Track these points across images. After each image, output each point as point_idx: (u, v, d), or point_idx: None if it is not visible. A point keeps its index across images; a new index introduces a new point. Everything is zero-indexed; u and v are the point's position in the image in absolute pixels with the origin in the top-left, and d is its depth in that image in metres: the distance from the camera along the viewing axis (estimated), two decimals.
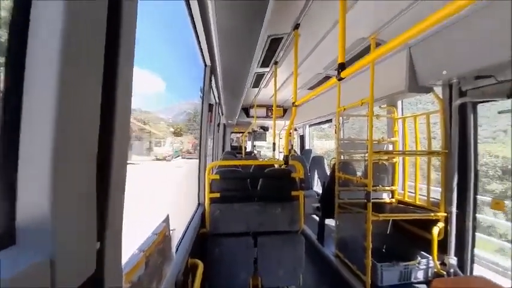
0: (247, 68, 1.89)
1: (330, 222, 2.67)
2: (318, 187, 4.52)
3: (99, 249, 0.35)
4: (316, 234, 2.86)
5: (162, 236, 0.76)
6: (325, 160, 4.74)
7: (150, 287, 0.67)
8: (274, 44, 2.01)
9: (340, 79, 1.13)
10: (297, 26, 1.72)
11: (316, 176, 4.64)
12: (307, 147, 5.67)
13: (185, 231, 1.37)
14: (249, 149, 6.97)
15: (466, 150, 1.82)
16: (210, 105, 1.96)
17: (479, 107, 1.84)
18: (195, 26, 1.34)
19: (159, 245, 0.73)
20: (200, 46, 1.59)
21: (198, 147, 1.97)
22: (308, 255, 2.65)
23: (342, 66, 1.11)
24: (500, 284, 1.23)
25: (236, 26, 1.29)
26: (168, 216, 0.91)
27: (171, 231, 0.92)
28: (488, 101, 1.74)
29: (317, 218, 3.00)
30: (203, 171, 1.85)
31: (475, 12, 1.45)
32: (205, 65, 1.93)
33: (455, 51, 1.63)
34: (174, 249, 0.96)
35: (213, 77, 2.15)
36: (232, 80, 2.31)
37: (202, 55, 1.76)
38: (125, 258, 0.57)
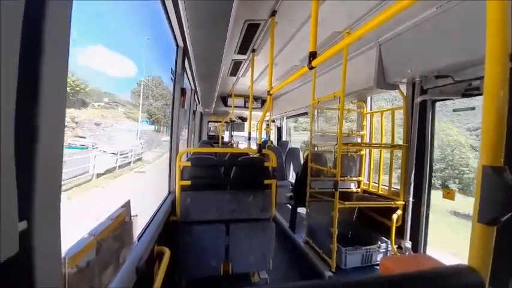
0: (220, 51, 1.83)
1: (302, 210, 2.78)
2: (293, 178, 4.66)
3: (25, 229, 0.32)
4: (288, 222, 2.96)
5: (120, 221, 0.72)
6: (300, 152, 4.87)
7: (105, 273, 0.63)
8: (252, 30, 1.97)
9: (311, 68, 1.14)
10: (273, 13, 1.69)
11: (291, 167, 4.77)
12: (284, 139, 5.77)
13: (152, 219, 1.33)
14: (226, 139, 6.90)
15: (424, 144, 1.98)
16: (183, 89, 1.88)
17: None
18: (164, 1, 1.25)
19: (115, 230, 0.69)
20: (171, 25, 1.50)
21: (170, 133, 1.89)
22: (280, 242, 2.75)
23: (313, 55, 1.12)
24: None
25: (206, 6, 1.23)
26: (128, 201, 0.86)
27: (132, 217, 0.88)
28: (445, 99, 1.90)
29: (290, 207, 3.10)
30: (174, 158, 1.79)
31: (437, 14, 1.55)
32: (177, 46, 1.84)
33: (419, 51, 1.74)
34: (135, 236, 0.92)
35: (186, 61, 2.06)
36: (206, 65, 2.23)
37: (174, 35, 1.67)
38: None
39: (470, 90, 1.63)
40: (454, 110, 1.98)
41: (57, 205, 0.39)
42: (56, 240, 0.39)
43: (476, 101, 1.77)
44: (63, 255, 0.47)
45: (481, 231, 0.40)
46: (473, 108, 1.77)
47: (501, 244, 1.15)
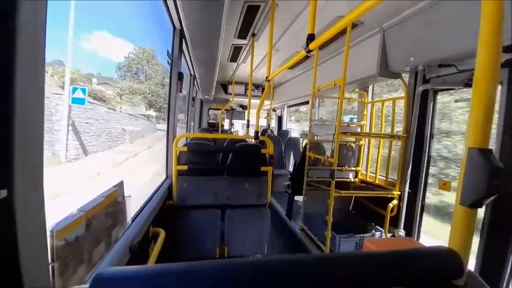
0: (218, 34, 1.79)
1: (300, 198, 2.81)
2: (292, 167, 4.68)
3: (4, 197, 0.32)
4: (285, 210, 3.01)
5: (112, 200, 0.73)
6: (300, 141, 4.86)
7: (96, 249, 0.65)
8: (252, 12, 1.91)
9: (308, 51, 1.11)
10: None
11: (291, 156, 4.78)
12: (284, 128, 5.74)
13: (147, 201, 1.35)
14: (227, 127, 6.88)
15: (423, 135, 1.96)
16: (180, 74, 1.85)
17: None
18: None
19: (107, 208, 0.70)
20: (167, 4, 1.46)
21: (167, 118, 1.89)
22: (276, 229, 2.80)
23: (311, 38, 1.08)
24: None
25: None
26: (122, 182, 0.87)
27: (125, 198, 0.89)
28: (448, 89, 1.86)
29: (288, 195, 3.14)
30: (171, 143, 1.80)
31: (442, 1, 1.49)
32: (174, 28, 1.79)
33: (423, 39, 1.69)
34: (129, 216, 0.94)
35: (184, 45, 2.01)
36: (204, 49, 2.18)
37: (170, 16, 1.62)
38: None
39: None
40: (456, 101, 1.95)
41: (39, 173, 0.39)
42: (39, 210, 0.39)
43: None
44: (51, 228, 0.48)
45: (463, 214, 0.40)
46: None
47: (488, 229, 1.17)
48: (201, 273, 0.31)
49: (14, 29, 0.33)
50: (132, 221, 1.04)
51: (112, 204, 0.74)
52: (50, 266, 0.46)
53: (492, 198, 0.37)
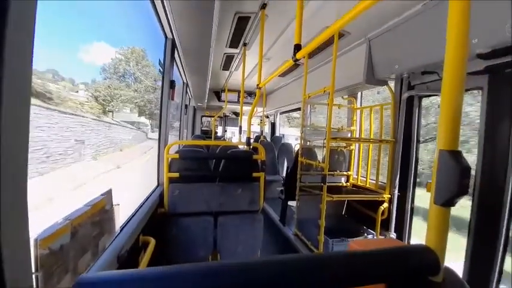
0: (208, 44, 1.82)
1: (293, 204, 2.81)
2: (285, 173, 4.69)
3: None
4: (279, 216, 3.00)
5: (99, 209, 0.73)
6: (293, 147, 4.90)
7: (82, 259, 0.64)
8: (242, 23, 1.96)
9: (295, 60, 1.15)
10: (264, 6, 1.69)
11: (285, 162, 4.80)
12: (277, 134, 5.79)
13: (137, 210, 1.33)
14: (220, 134, 6.88)
15: (410, 139, 2.02)
16: (172, 82, 1.86)
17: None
18: None
19: (93, 217, 0.69)
20: (158, 15, 1.48)
21: (159, 126, 1.88)
22: (270, 234, 2.79)
23: (297, 48, 1.12)
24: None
25: None
26: (110, 190, 0.86)
27: (114, 206, 0.88)
28: (432, 95, 1.94)
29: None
30: (163, 151, 1.79)
31: (424, 11, 1.57)
32: (166, 37, 1.81)
33: (407, 47, 1.77)
34: (118, 225, 0.93)
35: (176, 54, 2.04)
36: (196, 58, 2.22)
37: (162, 26, 1.65)
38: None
39: None
40: (439, 106, 2.02)
41: (23, 180, 0.39)
42: (22, 218, 0.39)
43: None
44: (35, 237, 0.47)
45: (437, 212, 0.42)
46: None
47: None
48: (189, 276, 0.31)
49: (3, 31, 0.34)
50: (121, 230, 1.02)
51: (99, 213, 0.73)
52: (33, 276, 0.46)
53: (463, 197, 0.39)
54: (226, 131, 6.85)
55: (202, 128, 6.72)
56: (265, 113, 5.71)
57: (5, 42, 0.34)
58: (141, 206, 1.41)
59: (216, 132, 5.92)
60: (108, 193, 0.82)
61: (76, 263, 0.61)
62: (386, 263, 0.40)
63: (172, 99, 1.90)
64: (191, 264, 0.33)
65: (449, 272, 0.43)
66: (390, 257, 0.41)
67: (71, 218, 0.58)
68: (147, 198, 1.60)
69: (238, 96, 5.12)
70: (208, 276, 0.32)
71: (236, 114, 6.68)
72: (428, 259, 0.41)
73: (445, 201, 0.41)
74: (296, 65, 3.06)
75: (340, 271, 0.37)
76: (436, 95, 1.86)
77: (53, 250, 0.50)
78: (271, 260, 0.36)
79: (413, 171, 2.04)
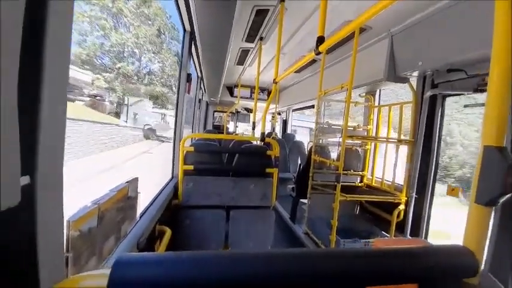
0: (227, 37, 1.81)
1: (304, 202, 2.79)
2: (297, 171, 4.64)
3: (27, 184, 0.33)
4: (289, 214, 2.99)
5: (123, 195, 0.74)
6: (305, 145, 4.85)
7: (106, 243, 0.66)
8: (260, 16, 1.94)
9: (318, 53, 1.12)
10: None
11: (297, 160, 4.76)
12: (289, 131, 5.74)
13: (154, 199, 1.36)
14: (231, 129, 6.91)
15: (431, 140, 1.94)
16: (189, 75, 1.88)
17: None
18: None
19: (118, 203, 0.71)
20: (179, 8, 1.49)
21: (174, 119, 1.91)
22: (280, 232, 2.78)
23: (321, 40, 1.10)
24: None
25: None
26: (136, 178, 0.88)
27: (138, 194, 0.90)
28: (456, 94, 1.85)
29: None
30: (178, 143, 1.82)
31: (451, 6, 1.49)
32: (185, 31, 1.83)
33: (432, 43, 1.68)
34: (138, 213, 0.95)
35: (193, 47, 2.05)
36: (213, 51, 2.22)
37: (181, 19, 1.66)
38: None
39: (483, 86, 1.58)
40: (465, 106, 1.93)
41: (59, 163, 0.40)
42: (58, 198, 0.41)
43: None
44: (67, 218, 0.49)
45: (478, 212, 0.40)
46: (484, 104, 1.72)
47: (501, 228, 1.14)
48: (215, 261, 0.31)
49: (44, 29, 0.35)
50: (140, 218, 1.05)
51: (123, 200, 0.75)
52: (64, 256, 0.47)
53: (508, 196, 0.37)
54: (237, 126, 6.87)
55: (214, 123, 6.77)
56: (277, 110, 5.68)
57: (45, 44, 0.35)
58: (158, 196, 1.45)
59: (227, 128, 5.95)
60: (134, 181, 0.84)
61: (101, 247, 0.63)
62: (418, 262, 0.38)
63: (189, 92, 1.92)
64: (217, 251, 0.33)
65: (486, 276, 0.41)
66: (423, 256, 0.39)
67: (99, 202, 0.60)
68: (163, 189, 1.63)
69: (251, 92, 5.10)
70: (234, 263, 0.32)
71: (248, 110, 6.67)
72: (465, 260, 0.39)
73: (488, 200, 0.39)
74: (312, 61, 3.01)
75: (366, 268, 0.36)
76: (462, 94, 1.77)
77: (82, 232, 0.52)
78: (296, 252, 0.36)
79: (433, 173, 1.97)
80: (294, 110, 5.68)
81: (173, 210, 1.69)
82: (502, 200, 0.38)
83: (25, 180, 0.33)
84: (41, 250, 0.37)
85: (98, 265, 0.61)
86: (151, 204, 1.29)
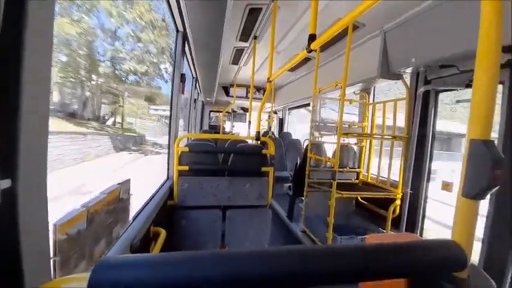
0: (220, 37, 1.81)
1: (301, 200, 2.80)
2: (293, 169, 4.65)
3: (7, 187, 0.32)
4: (286, 212, 2.99)
5: (114, 197, 0.73)
6: (301, 143, 4.86)
7: (97, 245, 0.65)
8: (253, 15, 1.93)
9: (309, 51, 1.12)
10: None
11: (293, 158, 4.76)
12: (285, 130, 5.75)
13: (148, 201, 1.35)
14: (228, 129, 6.90)
15: (425, 135, 1.95)
16: (182, 75, 1.86)
17: None
18: None
19: (109, 205, 0.70)
20: (170, 8, 1.48)
21: (169, 119, 1.90)
22: (277, 230, 2.79)
23: (312, 38, 1.10)
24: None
25: None
26: (128, 180, 0.87)
27: (130, 196, 0.89)
28: (449, 90, 1.86)
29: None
30: (173, 144, 1.81)
31: (444, 2, 1.50)
32: (177, 31, 1.81)
33: (425, 39, 1.70)
34: (131, 215, 0.94)
35: (187, 47, 2.03)
36: (207, 51, 2.21)
37: (174, 19, 1.64)
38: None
39: None
40: (458, 101, 1.95)
41: (43, 166, 0.39)
42: (42, 201, 0.40)
43: None
44: (54, 222, 0.48)
45: (465, 205, 0.40)
46: None
47: (494, 222, 1.16)
48: (204, 261, 0.31)
49: (22, 29, 0.34)
50: (133, 220, 1.04)
51: (114, 202, 0.74)
52: (51, 260, 0.46)
53: (495, 189, 0.37)
54: (234, 126, 6.86)
55: (210, 123, 6.75)
56: (273, 109, 5.69)
57: (24, 44, 0.34)
58: (152, 197, 1.43)
59: (223, 128, 5.94)
60: (126, 182, 0.83)
61: (91, 250, 0.62)
62: (408, 257, 0.38)
63: (183, 93, 1.90)
64: (207, 251, 0.33)
65: (475, 269, 0.41)
66: (413, 251, 0.39)
67: (88, 205, 0.59)
68: (158, 189, 1.62)
69: (247, 92, 5.10)
70: (226, 262, 0.31)
71: (244, 109, 6.66)
72: (454, 254, 0.39)
73: (475, 194, 0.39)
74: (306, 59, 3.01)
75: (358, 264, 0.36)
76: (455, 90, 1.79)
77: (70, 236, 0.51)
78: (288, 249, 0.36)
79: (427, 169, 1.98)
80: (290, 109, 5.68)
81: (169, 211, 1.68)
82: (489, 193, 0.38)
83: (6, 183, 0.33)
84: (24, 254, 0.37)
85: (88, 268, 0.60)
86: (145, 205, 1.27)
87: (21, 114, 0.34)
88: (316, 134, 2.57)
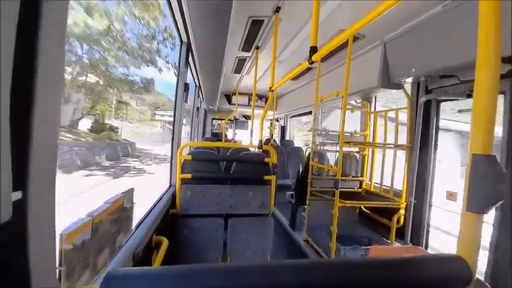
0: (223, 48, 1.85)
1: (303, 209, 2.77)
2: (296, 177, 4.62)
3: (19, 199, 0.33)
4: (289, 221, 2.96)
5: (117, 206, 0.74)
6: (303, 151, 4.85)
7: (100, 255, 0.65)
8: (256, 26, 1.98)
9: (311, 62, 1.14)
10: (277, 10, 1.70)
11: (296, 166, 4.74)
12: (287, 138, 5.76)
13: (151, 209, 1.35)
14: (230, 136, 6.93)
15: (428, 144, 1.95)
16: (186, 84, 1.90)
17: None
18: None
19: (113, 214, 0.71)
20: (175, 19, 1.52)
21: (172, 128, 1.92)
22: (280, 240, 2.75)
23: (313, 50, 1.12)
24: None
25: (208, 1, 1.25)
26: (131, 189, 0.88)
27: (133, 205, 0.90)
28: (450, 100, 1.87)
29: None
30: (176, 152, 1.82)
31: (443, 13, 1.53)
32: (181, 41, 1.86)
33: (425, 50, 1.72)
34: (133, 224, 0.94)
35: (190, 57, 2.08)
36: (210, 61, 2.26)
37: (178, 30, 1.69)
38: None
39: None
40: (460, 111, 1.95)
41: (52, 177, 0.40)
42: (50, 212, 0.40)
43: None
44: (60, 232, 0.48)
45: (469, 220, 0.40)
46: None
47: (500, 236, 1.14)
48: (210, 275, 0.31)
49: (36, 34, 0.35)
50: (136, 229, 1.04)
51: (118, 211, 0.75)
52: (57, 270, 0.47)
53: (499, 203, 0.37)
54: (236, 134, 6.89)
55: (213, 131, 6.79)
56: (275, 117, 5.71)
57: (39, 45, 0.35)
58: (155, 205, 1.43)
59: (226, 135, 5.97)
60: (129, 191, 0.83)
61: (95, 259, 0.62)
62: (413, 272, 0.38)
63: (186, 101, 1.93)
64: (212, 264, 0.33)
65: (481, 284, 0.41)
66: (418, 266, 0.39)
67: (92, 215, 0.59)
68: (160, 198, 1.62)
69: (249, 100, 5.15)
70: (230, 277, 0.32)
71: (246, 117, 6.70)
72: (459, 269, 0.39)
73: (479, 208, 0.39)
74: (308, 68, 3.05)
75: (362, 278, 0.36)
76: (456, 100, 1.80)
77: (75, 246, 0.52)
78: (292, 263, 0.36)
79: (430, 178, 1.97)
80: (292, 117, 5.71)
81: (171, 220, 1.68)
82: (493, 207, 0.38)
83: (17, 195, 0.33)
84: (33, 265, 0.37)
85: (92, 278, 0.60)
86: (147, 214, 1.27)
87: (32, 127, 0.35)
88: (318, 142, 2.57)
